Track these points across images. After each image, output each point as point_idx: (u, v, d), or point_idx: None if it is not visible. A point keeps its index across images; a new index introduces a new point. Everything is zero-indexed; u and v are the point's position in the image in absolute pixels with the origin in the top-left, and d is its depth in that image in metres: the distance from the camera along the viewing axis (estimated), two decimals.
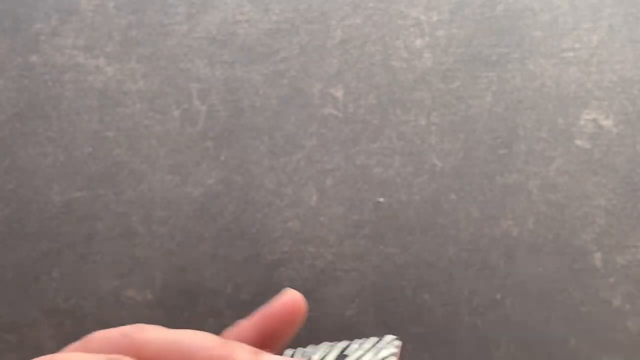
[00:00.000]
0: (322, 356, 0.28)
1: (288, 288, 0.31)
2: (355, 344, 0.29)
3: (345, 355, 0.28)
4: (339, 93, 0.54)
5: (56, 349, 0.53)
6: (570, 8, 0.54)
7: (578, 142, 0.53)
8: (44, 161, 0.54)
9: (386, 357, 0.27)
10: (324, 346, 0.29)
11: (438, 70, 0.53)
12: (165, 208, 0.53)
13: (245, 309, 0.54)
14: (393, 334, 0.54)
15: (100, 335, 0.24)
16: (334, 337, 0.54)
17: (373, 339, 0.29)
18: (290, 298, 0.29)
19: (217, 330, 0.53)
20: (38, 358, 0.25)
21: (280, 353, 0.30)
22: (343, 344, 0.29)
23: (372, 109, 0.53)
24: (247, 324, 0.29)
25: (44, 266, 0.54)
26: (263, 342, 0.28)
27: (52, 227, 0.54)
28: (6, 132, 0.55)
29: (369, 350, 0.27)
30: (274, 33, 0.54)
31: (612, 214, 0.52)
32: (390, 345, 0.27)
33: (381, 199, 0.53)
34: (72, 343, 0.27)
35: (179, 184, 0.54)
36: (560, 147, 0.53)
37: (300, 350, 0.29)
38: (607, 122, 0.53)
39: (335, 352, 0.28)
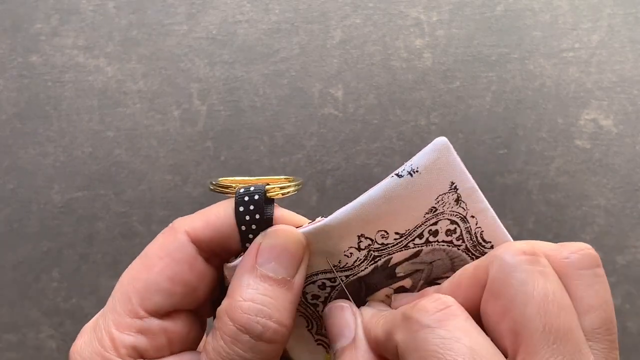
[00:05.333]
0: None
1: None
2: None
3: None
4: (339, 93, 0.54)
5: (56, 349, 0.53)
6: (570, 8, 0.54)
7: (578, 142, 0.53)
8: (44, 161, 0.54)
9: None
10: None
11: (438, 70, 0.53)
12: (165, 208, 0.53)
13: None
14: None
15: None
16: None
17: None
18: None
19: None
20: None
21: None
22: None
23: (372, 109, 0.53)
24: None
25: (44, 266, 0.54)
26: None
27: (52, 227, 0.54)
28: (6, 132, 0.55)
29: None
30: (274, 33, 0.54)
31: (612, 214, 0.52)
32: None
33: None
34: None
35: (179, 184, 0.54)
36: (560, 147, 0.53)
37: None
38: (606, 122, 0.53)
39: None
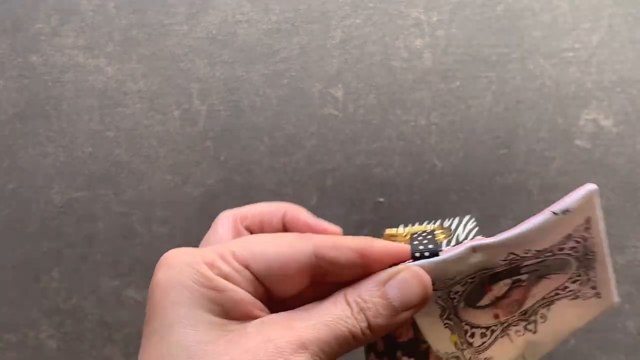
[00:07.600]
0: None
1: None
2: (447, 222, 0.37)
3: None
4: (339, 93, 0.54)
5: (56, 349, 0.54)
6: (570, 8, 0.54)
7: (578, 142, 0.53)
8: (44, 161, 0.54)
9: (472, 229, 0.36)
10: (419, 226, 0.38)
11: (438, 70, 0.53)
12: (165, 208, 0.53)
13: None
14: None
15: None
16: None
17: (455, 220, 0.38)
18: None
19: None
20: None
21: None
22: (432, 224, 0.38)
23: (372, 109, 0.53)
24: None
25: (44, 266, 0.54)
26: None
27: (52, 227, 0.54)
28: (6, 132, 0.55)
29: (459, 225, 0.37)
30: (274, 33, 0.54)
31: (612, 214, 0.52)
32: (470, 223, 0.37)
33: (381, 199, 0.53)
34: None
35: (179, 184, 0.54)
36: (560, 147, 0.53)
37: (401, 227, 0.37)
38: (607, 122, 0.53)
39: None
